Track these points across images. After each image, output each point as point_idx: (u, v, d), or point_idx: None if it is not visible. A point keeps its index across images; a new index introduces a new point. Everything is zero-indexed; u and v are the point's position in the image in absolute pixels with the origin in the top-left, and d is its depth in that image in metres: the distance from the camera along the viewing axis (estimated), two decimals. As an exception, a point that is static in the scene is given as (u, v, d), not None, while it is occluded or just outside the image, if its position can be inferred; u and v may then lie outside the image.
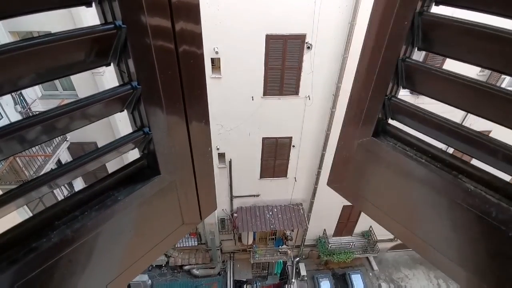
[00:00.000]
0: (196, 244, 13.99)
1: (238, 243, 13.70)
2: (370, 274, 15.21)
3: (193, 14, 0.69)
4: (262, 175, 11.44)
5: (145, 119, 0.74)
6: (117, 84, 0.70)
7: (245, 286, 14.45)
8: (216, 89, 8.82)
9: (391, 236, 14.96)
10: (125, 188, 0.78)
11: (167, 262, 14.43)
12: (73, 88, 9.12)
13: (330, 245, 13.93)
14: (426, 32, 0.72)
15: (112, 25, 0.59)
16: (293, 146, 10.65)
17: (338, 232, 14.25)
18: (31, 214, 0.66)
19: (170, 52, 0.69)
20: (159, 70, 0.69)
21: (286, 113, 9.74)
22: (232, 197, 11.99)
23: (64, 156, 9.75)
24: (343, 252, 14.02)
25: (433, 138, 0.81)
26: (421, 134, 0.85)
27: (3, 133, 0.51)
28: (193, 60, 0.75)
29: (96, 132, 9.33)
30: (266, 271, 14.96)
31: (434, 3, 0.70)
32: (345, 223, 13.84)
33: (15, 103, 8.61)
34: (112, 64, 0.67)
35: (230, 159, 10.79)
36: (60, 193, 9.53)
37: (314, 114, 9.83)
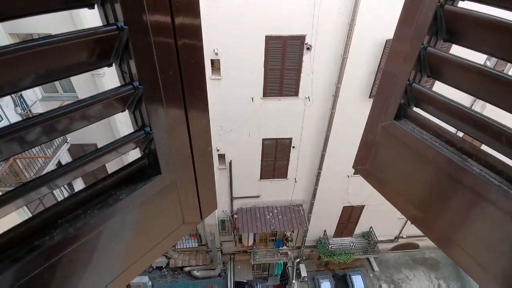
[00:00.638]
0: (196, 246, 13.99)
1: (239, 244, 13.66)
2: (371, 275, 15.18)
3: (193, 15, 0.70)
4: (262, 176, 11.44)
5: (146, 119, 0.75)
6: (117, 85, 0.71)
7: (245, 287, 14.43)
8: (216, 90, 8.82)
9: (392, 237, 14.96)
10: (127, 187, 0.79)
11: (168, 264, 14.41)
12: (73, 90, 9.11)
13: (330, 246, 13.91)
14: (449, 23, 0.77)
15: (114, 27, 0.60)
16: (293, 147, 10.64)
17: (339, 233, 14.23)
18: (30, 215, 0.66)
19: (171, 52, 0.70)
20: (160, 70, 0.70)
21: (286, 114, 9.75)
22: (232, 198, 11.98)
23: (65, 158, 9.73)
24: (343, 253, 13.99)
25: (452, 126, 0.84)
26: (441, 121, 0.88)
27: (6, 133, 0.52)
28: (194, 61, 0.76)
29: (96, 134, 9.32)
30: (267, 272, 14.94)
31: None
32: (346, 224, 13.82)
33: (15, 105, 8.58)
34: (113, 64, 0.68)
35: (230, 160, 10.78)
36: (61, 195, 9.52)
37: (314, 115, 9.83)
